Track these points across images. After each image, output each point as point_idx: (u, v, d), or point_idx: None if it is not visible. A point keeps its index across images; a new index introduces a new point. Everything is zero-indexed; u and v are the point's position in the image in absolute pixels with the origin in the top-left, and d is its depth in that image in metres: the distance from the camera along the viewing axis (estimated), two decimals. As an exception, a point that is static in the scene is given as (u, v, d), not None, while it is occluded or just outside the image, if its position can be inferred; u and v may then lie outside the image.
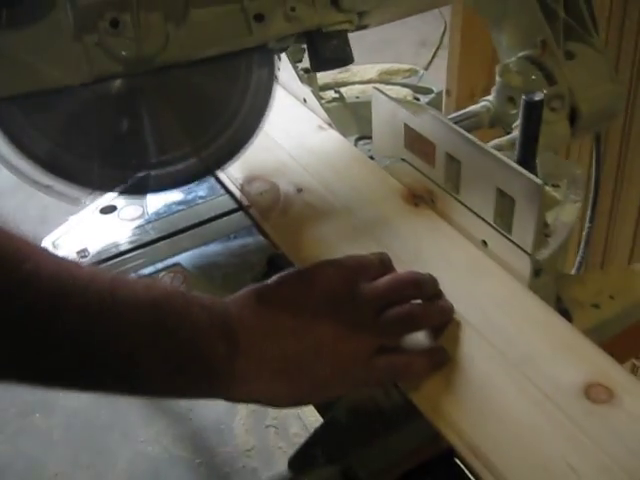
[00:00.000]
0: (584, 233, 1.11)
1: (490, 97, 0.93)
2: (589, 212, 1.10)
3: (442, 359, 0.64)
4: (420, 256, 0.74)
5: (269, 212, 0.82)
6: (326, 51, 0.79)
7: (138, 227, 0.83)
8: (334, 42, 0.79)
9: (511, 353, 0.64)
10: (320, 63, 0.81)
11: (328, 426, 0.68)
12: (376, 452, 0.67)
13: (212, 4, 0.74)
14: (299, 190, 0.85)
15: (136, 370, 0.53)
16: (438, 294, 0.67)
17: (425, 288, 0.66)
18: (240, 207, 0.84)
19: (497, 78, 0.91)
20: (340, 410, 0.69)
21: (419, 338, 0.65)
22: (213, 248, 0.79)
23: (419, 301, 0.65)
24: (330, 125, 0.95)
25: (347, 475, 0.66)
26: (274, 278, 0.64)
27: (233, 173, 0.88)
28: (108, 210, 0.86)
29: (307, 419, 1.87)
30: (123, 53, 0.71)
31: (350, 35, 0.82)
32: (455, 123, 0.82)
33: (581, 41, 0.88)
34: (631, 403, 0.59)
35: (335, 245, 0.77)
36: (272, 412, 1.91)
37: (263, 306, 0.60)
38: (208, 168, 0.82)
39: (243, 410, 1.92)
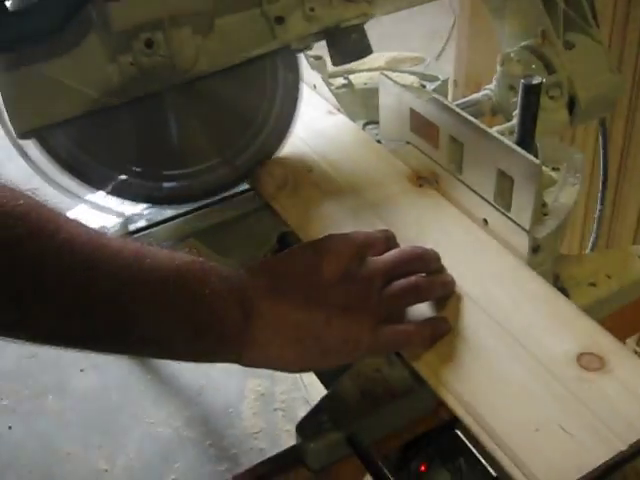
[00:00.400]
0: (595, 216, 1.15)
1: (491, 86, 0.96)
2: (600, 194, 1.13)
3: (444, 329, 0.67)
4: (423, 233, 0.77)
5: (279, 191, 0.85)
6: (347, 46, 0.83)
7: (153, 206, 0.86)
8: (353, 36, 0.83)
9: (508, 324, 0.67)
10: (342, 57, 0.85)
11: (334, 395, 0.71)
12: (380, 421, 0.70)
13: (234, 11, 0.78)
14: (308, 170, 0.88)
15: (160, 333, 0.57)
16: (440, 269, 0.71)
17: (429, 262, 0.70)
18: (251, 187, 0.87)
19: (498, 67, 0.94)
20: (346, 380, 0.71)
21: (422, 309, 0.68)
22: (226, 225, 0.82)
23: (423, 275, 0.69)
24: (339, 110, 0.98)
25: (352, 441, 0.68)
26: (287, 250, 0.67)
27: None
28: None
29: (314, 403, 1.89)
30: (158, 71, 0.75)
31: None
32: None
33: (580, 32, 0.91)
34: (621, 371, 0.62)
35: (342, 223, 0.80)
36: (279, 396, 1.95)
37: (277, 276, 0.63)
38: (239, 177, 0.86)
39: (251, 394, 1.95)
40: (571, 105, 0.91)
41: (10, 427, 1.90)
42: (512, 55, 0.92)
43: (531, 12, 0.90)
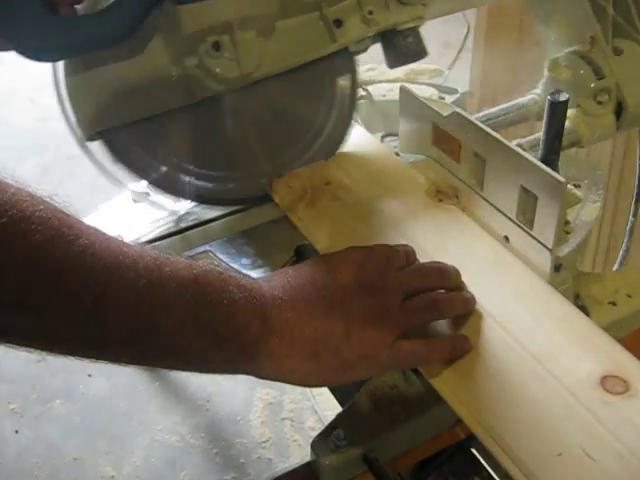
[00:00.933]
0: (627, 227, 1.15)
1: (537, 90, 0.97)
2: (632, 207, 1.13)
3: (464, 348, 0.65)
4: (443, 248, 0.76)
5: (297, 204, 0.84)
6: (403, 48, 0.85)
7: (170, 215, 0.85)
8: (409, 39, 0.83)
9: (530, 344, 0.65)
10: (398, 60, 0.87)
11: (350, 411, 0.71)
12: (395, 438, 0.69)
13: (294, 14, 0.79)
14: (326, 183, 0.87)
15: (177, 343, 0.56)
16: (460, 285, 0.70)
17: (449, 278, 0.68)
18: (269, 199, 0.87)
19: (545, 72, 0.96)
20: (362, 396, 0.71)
21: (442, 326, 0.67)
22: (243, 237, 0.81)
23: (443, 291, 0.68)
24: (357, 122, 0.97)
25: (367, 459, 0.68)
26: (306, 262, 0.66)
27: None
28: (141, 197, 0.88)
29: (322, 413, 1.89)
30: (224, 73, 0.77)
31: None
32: (502, 115, 0.89)
33: (629, 38, 0.93)
34: None
35: (360, 236, 0.79)
36: (288, 405, 1.93)
37: (295, 288, 0.62)
38: None
39: (259, 403, 1.94)
40: (618, 111, 0.92)
41: (17, 431, 1.88)
42: (560, 60, 0.93)
43: (580, 18, 0.90)
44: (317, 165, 0.90)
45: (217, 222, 0.84)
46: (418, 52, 0.87)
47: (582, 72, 0.92)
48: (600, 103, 0.91)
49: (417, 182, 0.87)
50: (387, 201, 0.84)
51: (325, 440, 0.68)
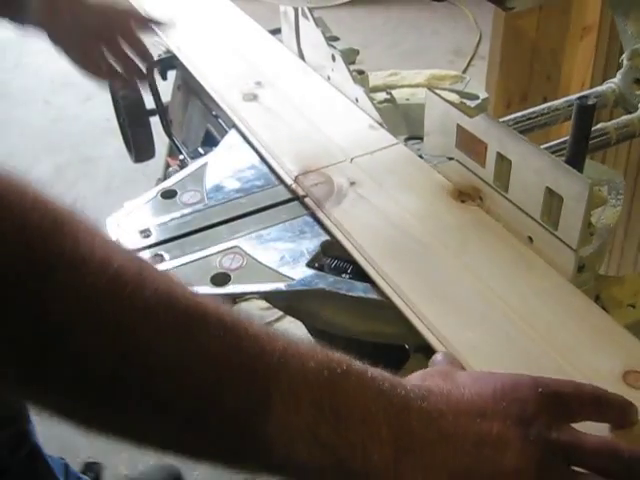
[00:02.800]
0: None
1: (615, 79, 1.02)
2: None
3: None
4: (466, 248, 0.78)
5: (323, 202, 0.86)
6: None
7: (198, 212, 0.87)
8: None
9: (554, 341, 0.67)
10: None
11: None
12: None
13: None
14: (352, 183, 0.89)
15: (291, 460, 0.47)
16: None
17: (633, 472, 0.53)
18: (296, 197, 0.88)
19: (625, 62, 1.00)
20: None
21: None
22: (270, 233, 0.83)
23: None
24: (381, 125, 0.99)
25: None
26: (464, 376, 0.56)
27: (289, 166, 0.92)
28: (169, 195, 0.90)
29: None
30: None
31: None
32: (565, 107, 0.95)
33: None
34: None
35: (385, 234, 0.81)
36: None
37: (448, 405, 0.51)
38: None
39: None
40: None
41: (31, 429, 1.90)
42: None
43: None
44: (342, 165, 0.92)
45: (244, 218, 0.86)
46: None
47: None
48: None
49: (440, 183, 0.88)
50: (410, 201, 0.86)
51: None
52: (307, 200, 0.88)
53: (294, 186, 0.90)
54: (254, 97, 1.10)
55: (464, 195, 0.86)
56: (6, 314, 0.39)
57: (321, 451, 0.47)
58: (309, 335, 0.92)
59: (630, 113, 0.98)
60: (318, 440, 0.47)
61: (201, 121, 1.70)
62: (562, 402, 0.53)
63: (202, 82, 1.18)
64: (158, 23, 1.17)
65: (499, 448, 0.50)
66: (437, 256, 0.78)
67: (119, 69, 1.15)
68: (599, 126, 0.93)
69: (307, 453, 0.47)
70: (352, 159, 0.94)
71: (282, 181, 0.92)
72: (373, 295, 0.75)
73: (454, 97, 1.07)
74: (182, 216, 0.86)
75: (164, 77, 1.75)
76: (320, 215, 0.85)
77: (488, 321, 0.70)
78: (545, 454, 0.50)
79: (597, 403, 0.55)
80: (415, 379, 0.54)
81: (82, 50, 1.10)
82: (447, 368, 0.59)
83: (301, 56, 1.16)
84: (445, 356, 0.63)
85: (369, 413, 0.48)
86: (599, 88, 1.03)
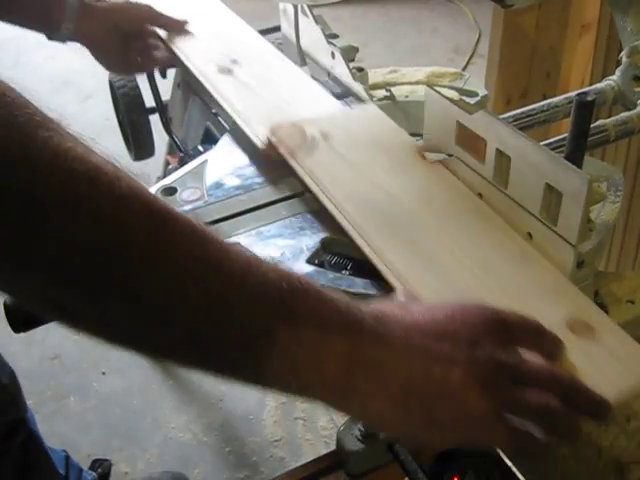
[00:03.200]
0: None
1: (614, 77, 1.03)
2: None
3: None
4: (432, 202, 0.83)
5: (297, 151, 0.89)
6: None
7: (198, 209, 0.87)
8: None
9: (508, 292, 0.71)
10: None
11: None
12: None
13: None
14: (324, 136, 0.93)
15: (250, 361, 0.52)
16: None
17: (574, 397, 0.58)
18: (295, 195, 0.88)
19: (624, 59, 1.01)
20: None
21: None
22: (270, 230, 0.83)
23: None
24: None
25: (392, 449, 0.69)
26: (426, 305, 0.62)
27: (261, 130, 0.96)
28: (169, 192, 0.90)
29: (335, 413, 1.90)
30: None
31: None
32: (565, 104, 0.95)
33: None
34: (609, 339, 0.66)
35: (354, 184, 0.86)
36: (300, 405, 1.95)
37: (401, 328, 0.56)
38: None
39: (272, 402, 1.95)
40: None
41: (32, 427, 1.91)
42: (639, 47, 0.98)
43: None
44: (316, 120, 0.96)
45: (244, 215, 0.86)
46: None
47: None
48: None
49: (409, 143, 0.93)
50: (381, 156, 0.91)
51: (352, 429, 0.69)
52: (281, 150, 0.91)
53: (262, 145, 0.94)
54: (229, 71, 1.14)
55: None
56: None
57: (279, 354, 0.51)
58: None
59: (629, 110, 0.98)
60: (276, 343, 0.50)
61: (201, 119, 1.71)
62: (508, 328, 0.59)
63: (180, 56, 1.24)
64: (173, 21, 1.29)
65: (447, 366, 0.54)
66: (402, 206, 0.82)
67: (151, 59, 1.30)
68: (598, 123, 0.93)
69: (264, 355, 0.51)
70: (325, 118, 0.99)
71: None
72: (373, 291, 0.75)
73: (453, 94, 1.07)
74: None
75: (164, 75, 1.75)
76: (292, 163, 0.88)
77: (449, 267, 0.73)
78: (490, 372, 0.55)
79: (537, 333, 0.61)
80: (372, 305, 0.58)
81: (120, 52, 1.24)
82: (405, 301, 0.64)
83: (300, 53, 1.16)
84: (405, 292, 0.67)
85: (325, 326, 0.52)
86: (598, 85, 1.03)
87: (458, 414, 0.55)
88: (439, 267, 0.74)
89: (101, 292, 0.47)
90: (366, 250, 0.77)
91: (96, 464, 1.71)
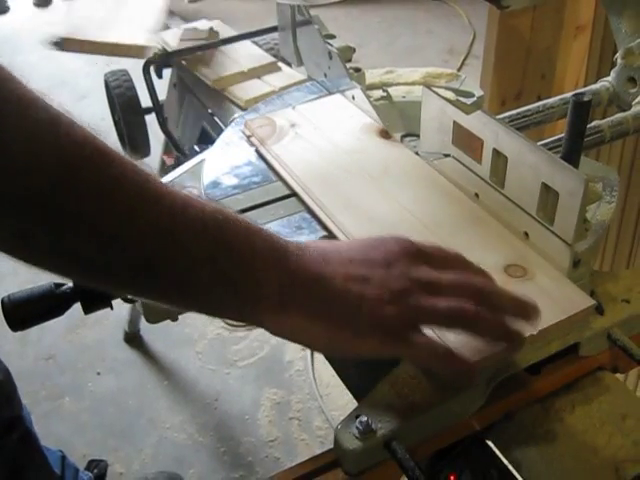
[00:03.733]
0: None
1: (609, 78, 1.03)
2: None
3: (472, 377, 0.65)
4: (387, 176, 0.88)
5: (266, 139, 0.97)
6: None
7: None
8: None
9: (450, 242, 0.74)
10: None
11: (373, 399, 0.72)
12: (416, 427, 0.71)
13: None
14: (292, 125, 1.00)
15: (192, 282, 0.58)
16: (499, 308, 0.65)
17: (491, 298, 0.64)
18: (293, 194, 0.89)
19: (619, 60, 1.01)
20: (384, 385, 0.73)
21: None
22: (267, 229, 0.83)
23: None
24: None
25: (389, 446, 0.69)
26: (339, 240, 0.71)
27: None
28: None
29: (330, 413, 1.91)
30: None
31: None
32: (561, 105, 0.96)
33: None
34: (541, 278, 0.72)
35: (316, 164, 0.92)
36: (295, 405, 1.96)
37: (320, 252, 0.64)
38: None
39: (267, 402, 1.96)
40: None
41: (26, 427, 1.91)
42: (634, 49, 0.98)
43: None
44: (285, 111, 1.04)
45: (249, 212, 0.86)
46: None
47: None
48: None
49: (369, 125, 0.99)
50: (342, 139, 0.97)
51: (348, 427, 0.69)
52: (252, 139, 0.98)
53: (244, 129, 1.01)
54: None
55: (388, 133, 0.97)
56: None
57: (219, 278, 0.58)
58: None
59: (624, 111, 0.98)
60: (217, 267, 0.58)
61: (197, 119, 1.71)
62: (424, 254, 0.65)
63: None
64: None
65: (363, 283, 0.62)
66: (360, 181, 0.88)
67: None
68: (593, 124, 0.93)
69: (207, 279, 0.58)
70: (294, 107, 1.06)
71: (280, 177, 0.93)
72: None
73: (450, 95, 1.07)
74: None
75: (160, 75, 1.75)
76: (262, 150, 0.96)
77: (397, 228, 0.78)
78: (403, 286, 0.62)
79: (457, 261, 0.67)
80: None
81: None
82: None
83: (297, 54, 1.16)
84: None
85: (256, 252, 0.60)
86: (594, 86, 1.04)
87: (376, 327, 0.61)
88: (388, 227, 0.79)
89: (62, 226, 0.53)
90: (321, 216, 0.83)
91: (92, 465, 1.71)
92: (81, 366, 2.08)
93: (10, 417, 1.41)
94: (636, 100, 0.98)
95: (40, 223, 0.53)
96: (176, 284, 0.59)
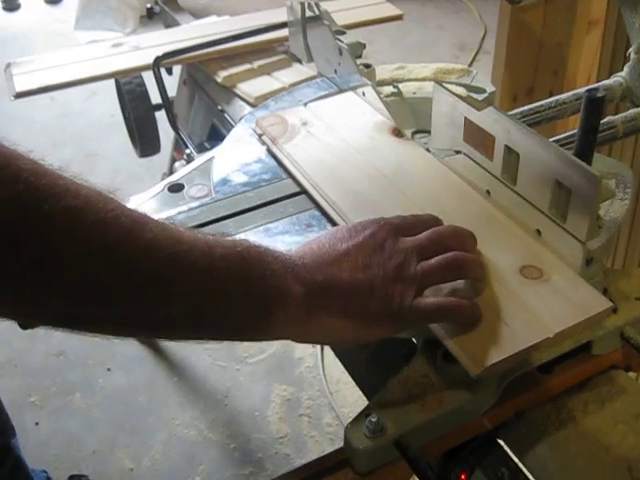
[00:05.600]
0: None
1: (622, 73, 1.02)
2: None
3: (479, 314, 0.69)
4: (399, 174, 0.88)
5: (278, 138, 0.96)
6: None
7: (205, 205, 0.87)
8: None
9: None
10: None
11: (383, 398, 0.72)
12: (427, 426, 0.70)
13: None
14: (304, 123, 0.99)
15: (233, 318, 0.62)
16: (476, 250, 0.73)
17: (464, 240, 0.72)
18: (303, 191, 0.88)
19: (632, 55, 1.00)
20: (395, 384, 0.72)
21: (464, 292, 0.71)
22: (277, 227, 0.83)
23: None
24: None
25: (400, 445, 0.69)
26: (326, 231, 0.72)
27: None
28: (176, 188, 0.90)
29: (340, 410, 1.90)
30: None
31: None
32: (574, 100, 0.96)
33: None
34: (557, 280, 0.72)
35: (328, 163, 0.91)
36: (305, 402, 1.95)
37: (320, 255, 0.67)
38: None
39: (277, 399, 1.96)
40: None
41: (37, 423, 1.91)
42: None
43: None
44: (296, 109, 1.03)
45: (251, 212, 0.86)
46: None
47: None
48: None
49: (382, 123, 0.98)
50: (354, 137, 0.95)
51: (359, 426, 0.69)
52: (264, 137, 0.97)
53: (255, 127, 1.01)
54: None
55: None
56: None
57: (252, 307, 0.61)
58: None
59: (637, 107, 0.97)
60: (249, 298, 0.61)
61: (206, 116, 1.71)
62: (400, 227, 0.70)
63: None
64: None
65: (366, 271, 0.66)
66: (372, 179, 0.87)
67: None
68: (606, 120, 0.92)
69: (243, 307, 0.61)
70: (306, 104, 1.05)
71: (290, 174, 0.92)
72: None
73: (461, 91, 1.06)
74: (189, 210, 0.86)
75: (170, 72, 1.75)
76: (274, 149, 0.95)
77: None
78: (401, 262, 0.67)
79: (422, 220, 0.73)
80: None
81: None
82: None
83: (307, 50, 1.15)
84: None
85: (274, 270, 0.63)
86: (606, 82, 1.02)
87: (389, 305, 0.66)
88: None
89: (116, 300, 0.56)
90: (332, 215, 0.83)
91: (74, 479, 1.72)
92: (91, 362, 2.09)
93: (3, 448, 1.41)
94: None
95: (95, 304, 0.55)
96: (219, 324, 0.62)
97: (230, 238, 0.63)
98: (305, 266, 0.65)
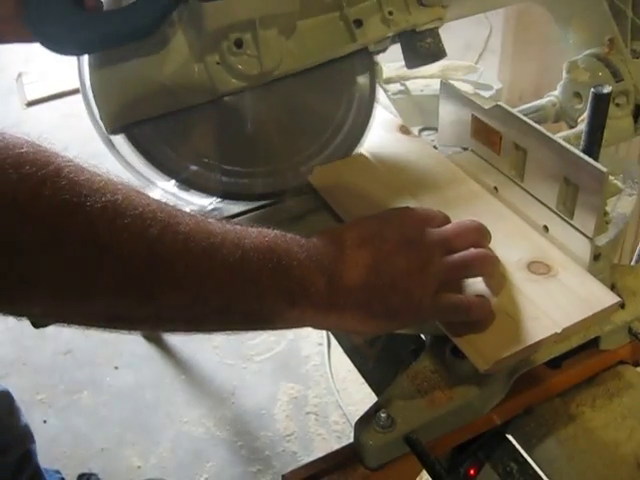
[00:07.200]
0: None
1: (555, 92, 0.99)
2: None
3: (493, 315, 0.69)
4: (406, 170, 0.88)
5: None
6: (422, 49, 0.86)
7: (208, 205, 0.87)
8: (428, 40, 0.85)
9: None
10: (416, 61, 0.89)
11: (393, 393, 0.72)
12: (436, 421, 0.71)
13: (315, 14, 0.81)
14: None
15: (262, 309, 0.61)
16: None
17: (485, 237, 0.72)
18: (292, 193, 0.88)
19: (564, 74, 0.97)
20: (404, 379, 0.73)
21: (477, 287, 0.72)
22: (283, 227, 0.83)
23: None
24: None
25: (410, 440, 0.69)
26: (352, 221, 0.73)
27: None
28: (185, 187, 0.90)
29: (347, 408, 1.91)
30: (246, 70, 0.78)
31: None
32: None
33: None
34: (564, 275, 0.72)
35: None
36: (312, 400, 1.96)
37: (345, 244, 0.67)
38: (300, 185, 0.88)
39: (284, 397, 1.96)
40: (636, 113, 0.94)
41: (45, 421, 1.92)
42: (579, 63, 0.94)
43: (599, 21, 0.92)
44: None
45: (245, 216, 0.86)
46: (437, 53, 0.89)
47: (600, 74, 0.95)
48: (618, 105, 0.94)
49: (390, 121, 0.97)
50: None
51: (369, 421, 0.69)
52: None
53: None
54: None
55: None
56: None
57: (282, 296, 0.61)
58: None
59: (571, 128, 0.96)
60: (280, 287, 0.61)
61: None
62: (425, 218, 0.71)
63: None
64: None
65: (390, 261, 0.66)
66: (380, 177, 0.88)
67: None
68: (557, 135, 0.90)
69: (272, 298, 0.61)
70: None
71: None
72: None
73: (468, 88, 1.07)
74: (201, 207, 0.86)
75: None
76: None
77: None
78: (423, 257, 0.67)
79: (440, 216, 0.73)
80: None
81: None
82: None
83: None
84: None
85: (300, 261, 0.62)
86: (539, 102, 1.01)
87: (410, 298, 0.66)
88: None
89: (155, 296, 0.56)
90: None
91: (83, 478, 1.72)
92: (99, 360, 2.09)
93: (23, 454, 1.42)
94: (581, 117, 0.94)
95: (137, 302, 0.55)
96: (250, 314, 0.62)
97: (256, 228, 0.63)
98: (329, 255, 0.65)
